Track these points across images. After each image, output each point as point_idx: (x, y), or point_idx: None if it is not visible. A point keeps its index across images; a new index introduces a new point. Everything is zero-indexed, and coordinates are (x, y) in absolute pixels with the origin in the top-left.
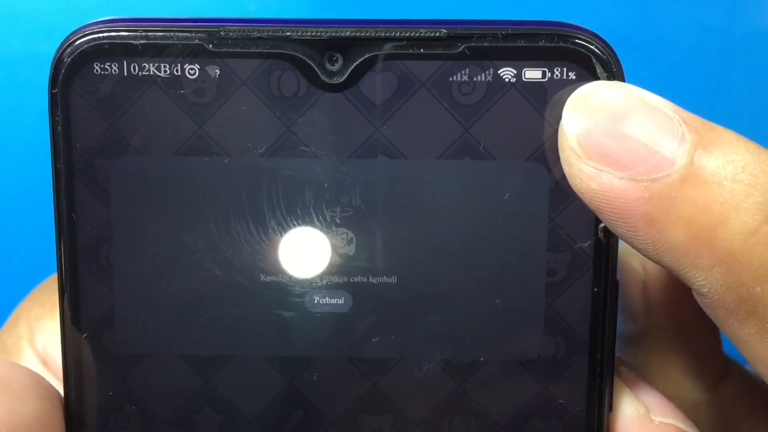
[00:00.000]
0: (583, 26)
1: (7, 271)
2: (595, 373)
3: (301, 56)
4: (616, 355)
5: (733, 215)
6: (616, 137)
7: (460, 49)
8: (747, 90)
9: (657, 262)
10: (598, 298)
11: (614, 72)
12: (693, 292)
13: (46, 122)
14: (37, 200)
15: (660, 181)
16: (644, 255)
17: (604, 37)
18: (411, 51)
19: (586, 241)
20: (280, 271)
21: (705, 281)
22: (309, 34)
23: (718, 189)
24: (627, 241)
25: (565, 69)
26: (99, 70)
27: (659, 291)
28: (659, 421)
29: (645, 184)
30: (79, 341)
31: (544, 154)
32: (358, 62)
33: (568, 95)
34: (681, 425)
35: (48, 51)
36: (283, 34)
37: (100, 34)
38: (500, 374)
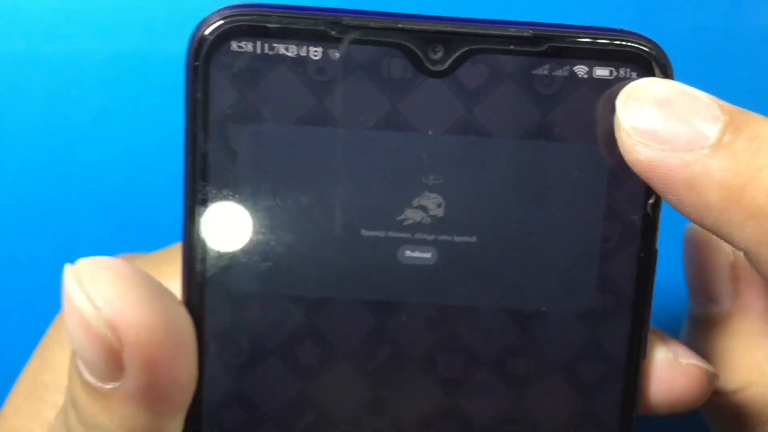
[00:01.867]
0: (647, 36)
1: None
2: (636, 325)
3: (409, 45)
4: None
5: (758, 176)
6: (659, 118)
7: (543, 48)
8: (747, 90)
9: (701, 225)
10: (643, 262)
11: (668, 74)
12: (743, 255)
13: (46, 122)
14: (38, 200)
15: (696, 152)
16: (690, 219)
17: (650, 37)
18: (502, 47)
19: (636, 215)
20: (378, 227)
21: (741, 237)
22: (418, 26)
23: (746, 156)
24: (675, 207)
25: (628, 69)
26: (236, 47)
27: (748, 272)
28: (685, 362)
29: (684, 154)
30: (201, 281)
31: (606, 140)
32: (457, 54)
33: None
34: (702, 365)
35: (50, 51)
36: (396, 26)
37: (239, 17)
38: (557, 323)
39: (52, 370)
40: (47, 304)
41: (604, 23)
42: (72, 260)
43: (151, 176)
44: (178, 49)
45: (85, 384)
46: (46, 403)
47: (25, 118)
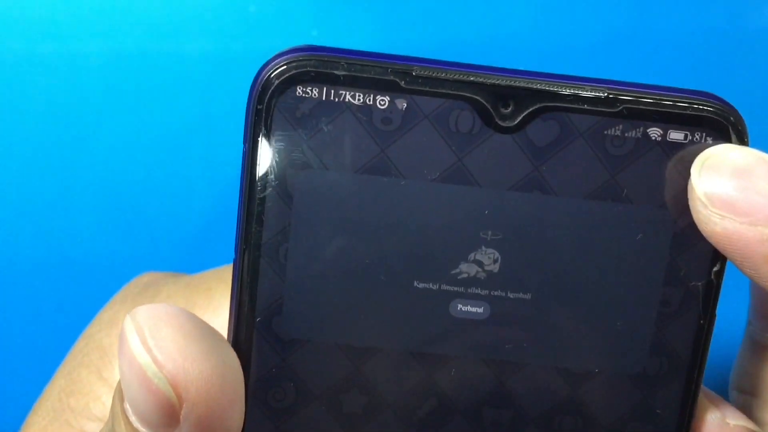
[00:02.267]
0: (724, 98)
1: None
2: (688, 389)
3: (479, 99)
4: None
5: None
6: (738, 189)
7: (618, 109)
8: (747, 90)
9: None
10: (702, 329)
11: (744, 141)
12: None
13: (46, 122)
14: (38, 200)
15: None
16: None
17: (727, 100)
18: (575, 105)
19: (700, 281)
20: (432, 279)
21: None
22: (489, 80)
23: None
24: (752, 278)
25: (704, 134)
26: (301, 92)
27: None
28: (734, 424)
29: (764, 228)
30: (251, 324)
31: (675, 204)
32: (528, 111)
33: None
34: (751, 426)
35: (49, 51)
36: (466, 79)
37: (306, 62)
38: (608, 384)
39: (80, 394)
40: (47, 303)
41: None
42: (71, 260)
43: (151, 176)
44: (179, 49)
45: (131, 428)
46: (72, 428)
47: (24, 118)
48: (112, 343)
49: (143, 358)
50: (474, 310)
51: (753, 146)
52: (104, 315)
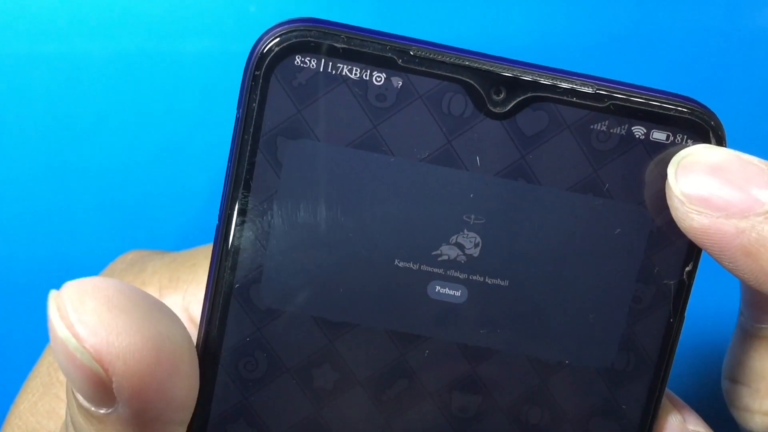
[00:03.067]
0: (704, 103)
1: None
2: (654, 387)
3: (474, 84)
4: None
5: None
6: (713, 185)
7: (605, 104)
8: (747, 90)
9: (760, 290)
10: (671, 327)
11: (723, 145)
12: None
13: (46, 122)
14: (38, 200)
15: (751, 218)
16: (749, 285)
17: (707, 105)
18: (565, 98)
19: (672, 280)
20: (412, 259)
21: None
22: (485, 66)
23: None
24: (732, 272)
25: (685, 136)
26: (299, 62)
27: None
28: (692, 429)
29: (738, 221)
30: (229, 291)
31: (653, 202)
32: (519, 99)
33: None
34: None
35: (50, 51)
36: (462, 63)
37: (308, 32)
38: (576, 376)
39: None
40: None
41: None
42: (71, 261)
43: (151, 176)
44: (179, 50)
45: (80, 406)
46: (61, 400)
47: (25, 118)
48: None
49: (63, 332)
50: (451, 293)
51: (747, 145)
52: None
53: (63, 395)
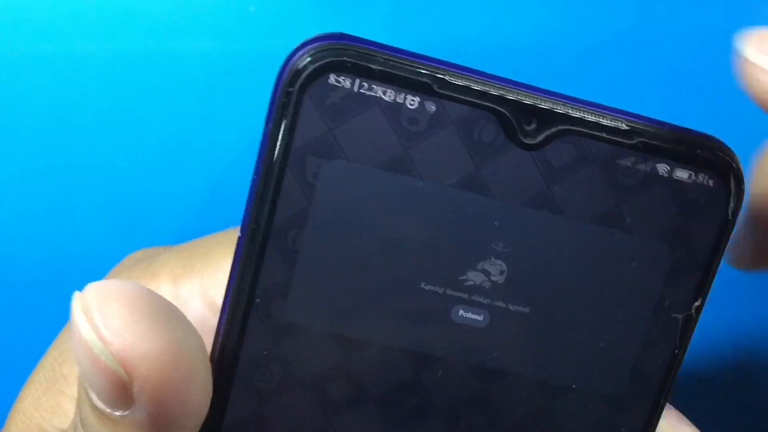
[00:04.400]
0: (726, 144)
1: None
2: (655, 413)
3: (506, 113)
4: None
5: None
6: None
7: (634, 141)
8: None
9: None
10: (675, 359)
11: (742, 189)
12: None
13: (47, 123)
14: (39, 201)
15: None
16: None
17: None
18: (595, 132)
19: (681, 314)
20: (438, 283)
21: None
22: (518, 97)
23: None
24: None
25: (706, 176)
26: (334, 81)
27: None
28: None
29: None
30: (249, 303)
31: (670, 239)
32: (550, 131)
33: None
34: None
35: (50, 52)
36: (497, 92)
37: (344, 51)
38: (584, 401)
39: (72, 363)
40: (47, 303)
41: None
42: (71, 261)
43: (151, 176)
44: (179, 50)
45: (94, 408)
46: (65, 395)
47: (26, 119)
48: None
49: (89, 335)
50: (474, 317)
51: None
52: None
53: (67, 390)
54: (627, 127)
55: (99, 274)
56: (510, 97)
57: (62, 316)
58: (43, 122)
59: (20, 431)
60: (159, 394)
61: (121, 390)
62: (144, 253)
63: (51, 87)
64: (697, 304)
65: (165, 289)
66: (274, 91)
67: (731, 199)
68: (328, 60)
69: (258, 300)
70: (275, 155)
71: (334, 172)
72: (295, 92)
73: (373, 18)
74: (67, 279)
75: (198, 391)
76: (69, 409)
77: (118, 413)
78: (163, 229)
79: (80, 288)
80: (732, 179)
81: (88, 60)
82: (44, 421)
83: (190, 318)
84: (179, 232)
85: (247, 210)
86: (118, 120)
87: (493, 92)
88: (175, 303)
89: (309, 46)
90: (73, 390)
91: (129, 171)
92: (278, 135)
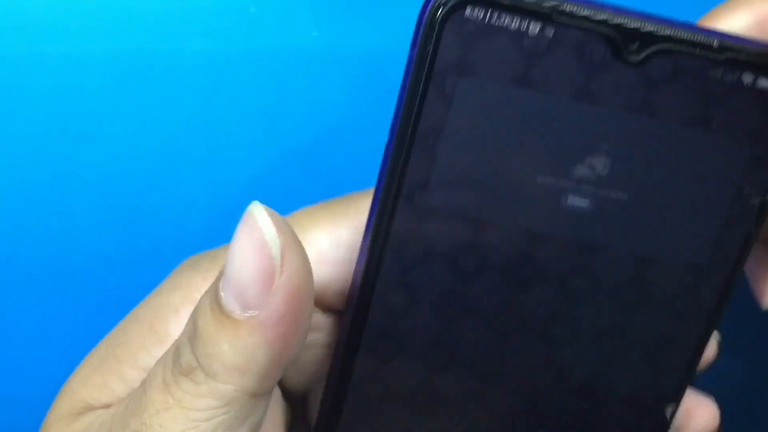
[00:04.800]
0: None
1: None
2: (731, 281)
3: (613, 36)
4: None
5: None
6: None
7: (723, 56)
8: None
9: None
10: (749, 237)
11: None
12: None
13: (47, 124)
14: (39, 201)
15: None
16: None
17: None
18: (690, 49)
19: (757, 200)
20: (553, 174)
21: None
22: (623, 22)
23: None
24: None
25: None
26: (469, 13)
27: None
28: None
29: None
30: (397, 194)
31: (753, 136)
32: (651, 50)
33: None
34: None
35: (51, 52)
36: (605, 18)
37: None
38: (672, 271)
39: (127, 345)
40: (47, 303)
41: None
42: (72, 263)
43: (151, 176)
44: (179, 51)
45: (218, 312)
46: (114, 374)
47: (26, 120)
48: (170, 303)
49: (267, 224)
50: (581, 202)
51: None
52: (167, 281)
53: (116, 369)
54: (716, 45)
55: (100, 274)
56: (616, 21)
57: (63, 316)
58: (43, 123)
59: (66, 407)
60: (291, 297)
61: (267, 281)
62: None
63: (51, 87)
64: None
65: None
66: (419, 21)
67: None
68: None
69: (403, 193)
70: (419, 73)
71: (468, 87)
72: (438, 22)
73: (373, 18)
74: (68, 279)
75: (306, 327)
76: (115, 387)
77: (247, 313)
78: (163, 229)
79: (80, 288)
80: None
81: (88, 60)
82: (90, 397)
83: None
84: (179, 232)
85: (395, 118)
86: (118, 120)
87: (601, 18)
88: None
89: None
90: (122, 369)
91: (129, 171)
92: (422, 57)
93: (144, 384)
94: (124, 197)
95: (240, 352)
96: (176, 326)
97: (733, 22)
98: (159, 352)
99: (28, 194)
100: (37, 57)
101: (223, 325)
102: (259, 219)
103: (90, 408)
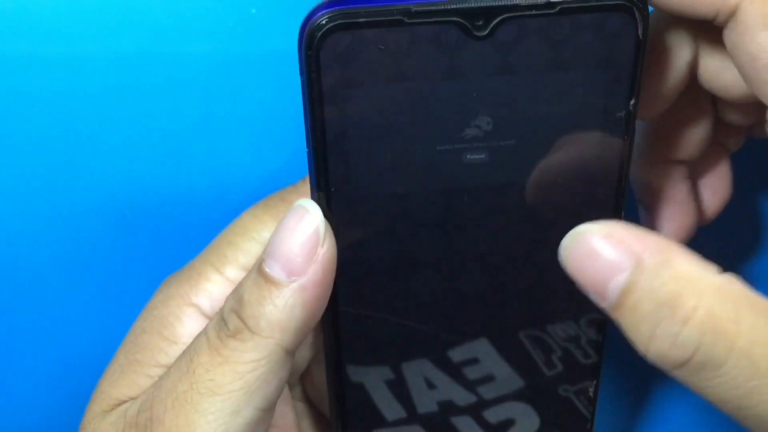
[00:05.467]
0: None
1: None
2: (621, 180)
3: (461, 20)
4: None
5: None
6: None
7: (556, 9)
8: None
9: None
10: (625, 143)
11: (645, 16)
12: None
13: (48, 124)
14: (40, 202)
15: None
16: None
17: None
18: (527, 12)
19: (623, 112)
20: (448, 141)
21: None
22: (464, 6)
23: None
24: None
25: (616, 15)
26: (338, 36)
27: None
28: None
29: None
30: (327, 189)
31: (603, 63)
32: (494, 22)
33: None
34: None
35: (52, 53)
36: (449, 8)
37: (337, 16)
38: (566, 181)
39: (145, 350)
40: (48, 304)
41: None
42: (75, 264)
43: (152, 177)
44: (180, 51)
45: (263, 281)
46: (139, 373)
47: (28, 121)
48: (170, 312)
49: (314, 207)
50: (478, 157)
51: None
52: (156, 298)
53: (140, 371)
54: (546, 1)
55: (100, 274)
56: (459, 8)
57: (62, 316)
58: (45, 124)
59: (99, 407)
60: (327, 263)
61: (312, 252)
62: (167, 282)
63: (53, 89)
64: (632, 102)
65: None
66: (299, 51)
67: (639, 24)
68: (330, 25)
69: (332, 181)
70: (314, 95)
71: (356, 94)
72: (313, 52)
73: None
74: (68, 279)
75: (332, 285)
76: (142, 383)
77: (292, 278)
78: (163, 229)
79: (80, 288)
80: (635, 9)
81: (89, 62)
82: (120, 394)
83: None
84: (180, 232)
85: (306, 134)
86: (120, 122)
87: (447, 8)
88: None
89: (314, 17)
90: (146, 370)
91: (131, 173)
92: (311, 80)
93: (187, 354)
94: (125, 198)
95: (282, 310)
96: (182, 329)
97: None
98: (175, 351)
99: (29, 195)
100: (39, 58)
101: (269, 290)
102: (308, 207)
103: (121, 402)
